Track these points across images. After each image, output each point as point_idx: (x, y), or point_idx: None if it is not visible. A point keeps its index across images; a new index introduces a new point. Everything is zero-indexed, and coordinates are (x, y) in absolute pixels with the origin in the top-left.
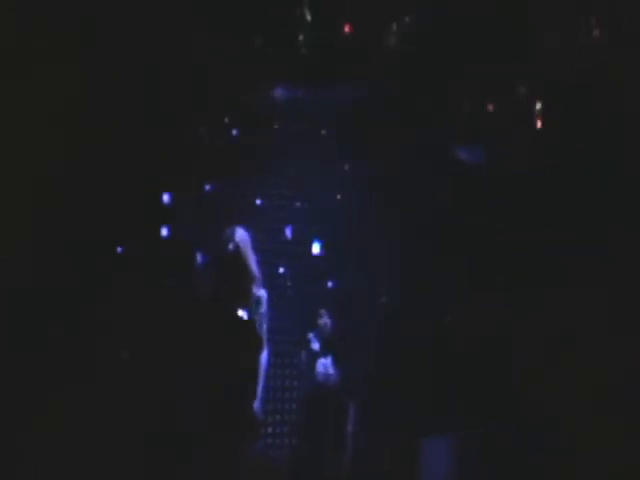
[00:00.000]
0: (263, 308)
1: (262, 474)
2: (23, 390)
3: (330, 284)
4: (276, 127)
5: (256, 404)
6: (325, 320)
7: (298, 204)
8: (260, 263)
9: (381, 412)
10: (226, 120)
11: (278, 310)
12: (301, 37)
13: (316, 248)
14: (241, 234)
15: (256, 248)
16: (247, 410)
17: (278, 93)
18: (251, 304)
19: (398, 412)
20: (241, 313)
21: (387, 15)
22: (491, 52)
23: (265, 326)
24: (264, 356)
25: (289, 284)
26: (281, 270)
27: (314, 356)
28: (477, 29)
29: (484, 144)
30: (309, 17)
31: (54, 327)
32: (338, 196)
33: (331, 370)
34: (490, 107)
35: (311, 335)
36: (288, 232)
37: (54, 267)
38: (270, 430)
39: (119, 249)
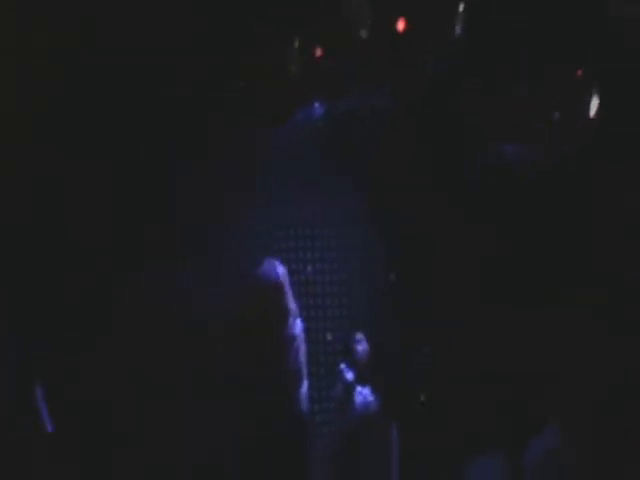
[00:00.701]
0: (299, 340)
1: None
2: None
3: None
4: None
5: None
6: (362, 345)
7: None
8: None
9: (427, 438)
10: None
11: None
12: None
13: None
14: (281, 269)
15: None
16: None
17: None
18: (289, 338)
19: (446, 436)
20: (278, 348)
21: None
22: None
23: (302, 359)
24: (304, 388)
25: (320, 315)
26: (312, 301)
27: (350, 386)
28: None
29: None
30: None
31: None
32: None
33: (370, 398)
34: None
35: (343, 366)
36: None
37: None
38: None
39: None
